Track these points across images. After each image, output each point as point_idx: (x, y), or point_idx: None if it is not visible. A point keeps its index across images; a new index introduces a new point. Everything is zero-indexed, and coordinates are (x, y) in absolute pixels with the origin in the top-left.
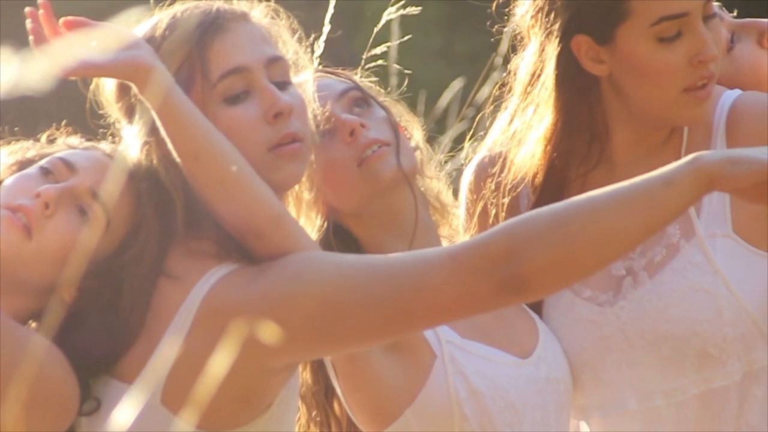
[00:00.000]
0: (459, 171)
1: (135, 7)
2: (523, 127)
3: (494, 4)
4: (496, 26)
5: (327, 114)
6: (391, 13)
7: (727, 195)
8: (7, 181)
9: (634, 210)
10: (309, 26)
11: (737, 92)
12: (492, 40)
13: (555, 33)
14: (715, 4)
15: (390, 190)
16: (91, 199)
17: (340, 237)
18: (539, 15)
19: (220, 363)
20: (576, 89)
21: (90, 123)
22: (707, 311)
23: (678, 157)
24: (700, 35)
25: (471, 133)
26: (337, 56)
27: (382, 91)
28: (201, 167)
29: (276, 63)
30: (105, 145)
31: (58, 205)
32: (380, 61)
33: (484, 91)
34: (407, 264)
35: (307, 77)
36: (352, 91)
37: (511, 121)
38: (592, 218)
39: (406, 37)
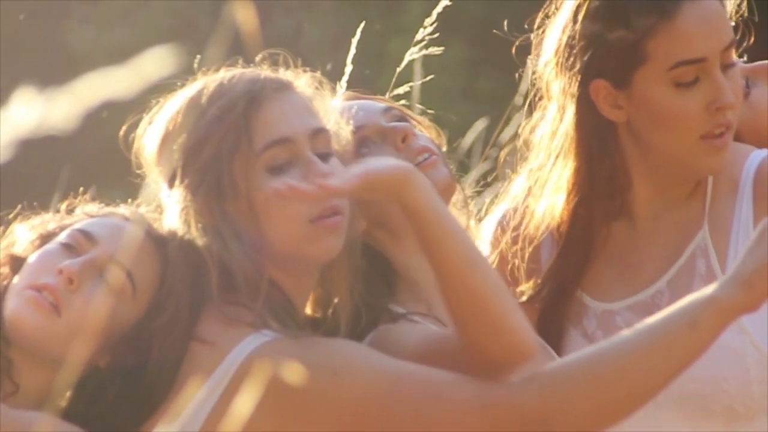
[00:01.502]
0: (481, 210)
1: (160, 45)
2: (544, 177)
3: (514, 48)
4: (522, 52)
5: (375, 126)
6: (413, 54)
7: None
8: (31, 259)
9: (663, 355)
10: (333, 66)
11: (765, 152)
12: (517, 74)
13: (574, 78)
14: None
15: None
16: (114, 267)
17: (369, 256)
18: (559, 61)
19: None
20: (596, 137)
21: (114, 161)
22: (734, 369)
23: (702, 214)
24: (717, 82)
25: (494, 173)
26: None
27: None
28: (478, 272)
29: (319, 135)
30: (123, 209)
31: (81, 279)
32: (403, 101)
33: (508, 132)
34: (438, 397)
35: (339, 101)
36: (394, 109)
37: (532, 172)
38: (623, 367)
39: (428, 78)
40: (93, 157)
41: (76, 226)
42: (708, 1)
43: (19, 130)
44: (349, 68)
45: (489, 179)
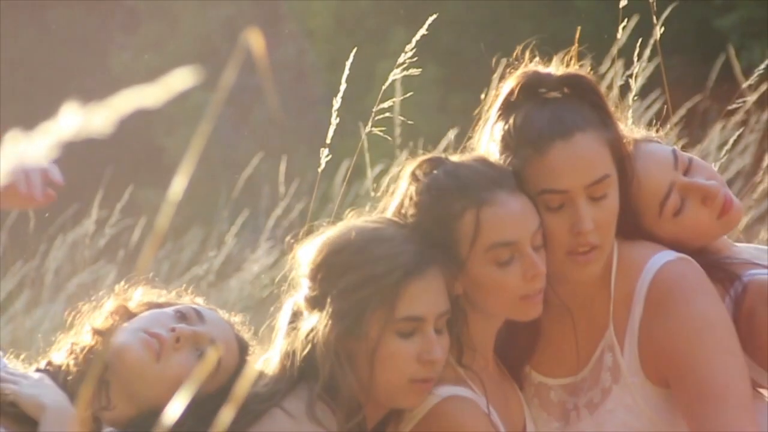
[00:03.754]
0: None
1: (186, 66)
2: None
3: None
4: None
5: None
6: (395, 74)
7: (636, 349)
8: (146, 314)
9: None
10: (329, 84)
11: (663, 259)
12: (481, 96)
13: None
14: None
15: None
16: (212, 347)
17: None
18: None
19: None
20: None
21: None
22: None
23: (608, 314)
24: (577, 211)
25: None
26: (352, 110)
27: None
28: None
29: (443, 317)
30: (222, 312)
31: (185, 343)
32: (387, 114)
33: (475, 140)
34: None
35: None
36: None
37: None
38: None
39: (408, 94)
40: (130, 162)
41: (191, 305)
42: (581, 143)
43: (64, 135)
44: (343, 86)
45: None
